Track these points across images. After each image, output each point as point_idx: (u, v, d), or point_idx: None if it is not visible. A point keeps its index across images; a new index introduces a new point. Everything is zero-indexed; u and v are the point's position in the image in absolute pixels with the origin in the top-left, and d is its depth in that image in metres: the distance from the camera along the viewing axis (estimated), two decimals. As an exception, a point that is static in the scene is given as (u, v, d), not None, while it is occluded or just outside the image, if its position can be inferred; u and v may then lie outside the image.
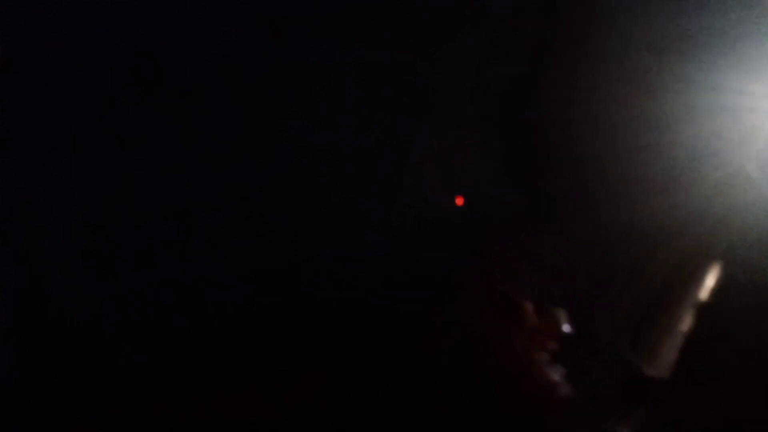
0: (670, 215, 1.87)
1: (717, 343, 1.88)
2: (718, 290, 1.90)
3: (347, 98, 1.98)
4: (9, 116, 1.89)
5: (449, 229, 1.99)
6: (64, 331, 1.88)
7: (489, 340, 1.91)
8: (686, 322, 1.90)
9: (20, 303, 1.88)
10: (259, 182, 1.97)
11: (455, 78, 2.01)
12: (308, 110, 1.98)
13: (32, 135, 1.90)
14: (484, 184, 1.99)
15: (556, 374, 1.88)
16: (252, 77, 1.97)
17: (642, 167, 1.90)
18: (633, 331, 1.89)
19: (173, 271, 1.92)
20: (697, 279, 1.91)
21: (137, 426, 1.85)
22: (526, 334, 1.90)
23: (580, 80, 1.93)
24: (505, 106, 1.98)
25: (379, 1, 2.00)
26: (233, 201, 1.96)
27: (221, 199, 1.95)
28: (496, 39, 2.00)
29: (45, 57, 1.90)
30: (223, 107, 1.96)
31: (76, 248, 1.90)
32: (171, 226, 1.93)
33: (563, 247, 1.91)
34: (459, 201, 1.99)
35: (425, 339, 1.89)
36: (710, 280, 1.91)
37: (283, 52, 1.98)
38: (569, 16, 1.98)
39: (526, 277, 1.93)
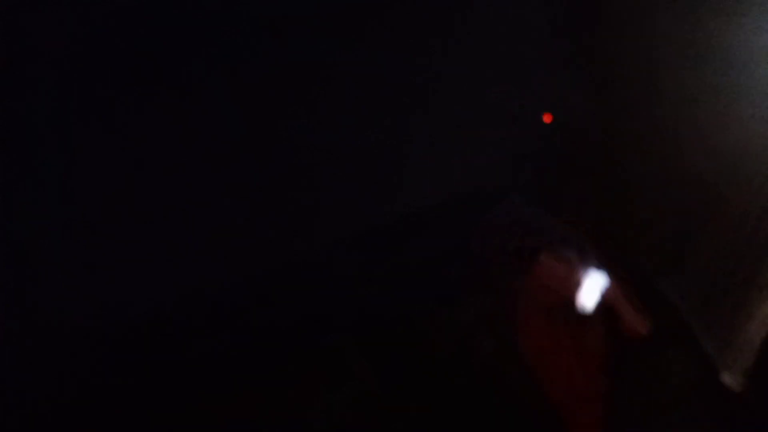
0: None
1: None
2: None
3: (347, 98, 1.99)
4: (9, 116, 1.89)
5: (448, 227, 2.00)
6: (64, 331, 1.88)
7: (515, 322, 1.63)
8: None
9: (20, 303, 1.88)
10: (259, 182, 1.97)
11: (455, 77, 2.01)
12: (308, 110, 1.98)
13: (32, 135, 1.90)
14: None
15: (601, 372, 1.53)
16: (252, 77, 1.97)
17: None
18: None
19: (173, 271, 1.92)
20: None
21: (137, 426, 1.85)
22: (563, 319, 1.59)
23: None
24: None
25: (379, 1, 2.01)
26: (233, 201, 1.96)
27: (221, 199, 1.95)
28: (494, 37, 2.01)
29: (45, 57, 1.90)
30: (223, 107, 1.96)
31: (76, 248, 1.90)
32: (170, 225, 1.93)
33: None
34: (547, 118, 1.89)
35: (425, 338, 1.89)
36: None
37: (283, 52, 1.98)
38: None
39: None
